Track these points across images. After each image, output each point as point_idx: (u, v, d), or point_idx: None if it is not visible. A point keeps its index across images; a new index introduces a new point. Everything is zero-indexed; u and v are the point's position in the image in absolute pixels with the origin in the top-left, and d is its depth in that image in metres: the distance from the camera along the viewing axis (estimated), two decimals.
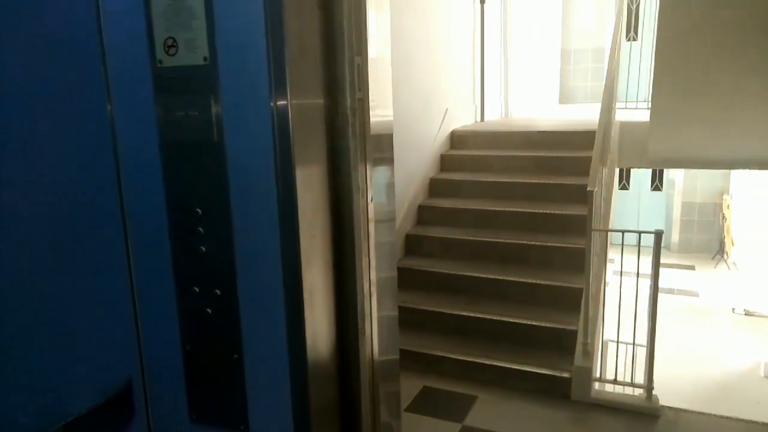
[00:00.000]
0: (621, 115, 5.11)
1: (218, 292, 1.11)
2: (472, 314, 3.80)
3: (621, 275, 3.71)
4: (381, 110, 1.22)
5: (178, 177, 1.08)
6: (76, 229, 1.09)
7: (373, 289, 1.26)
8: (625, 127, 4.85)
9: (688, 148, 4.25)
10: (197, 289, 1.13)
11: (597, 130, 3.85)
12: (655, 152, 4.32)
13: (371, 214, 1.21)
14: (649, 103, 4.31)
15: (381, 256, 1.26)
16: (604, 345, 3.89)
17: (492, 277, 3.98)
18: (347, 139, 1.10)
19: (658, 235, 3.15)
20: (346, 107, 1.08)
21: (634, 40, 6.49)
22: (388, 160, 1.32)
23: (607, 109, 4.04)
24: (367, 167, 1.17)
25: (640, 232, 3.30)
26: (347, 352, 1.23)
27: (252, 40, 0.96)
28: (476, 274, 4.03)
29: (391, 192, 1.34)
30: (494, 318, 3.74)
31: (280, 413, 1.13)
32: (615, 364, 3.44)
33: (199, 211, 1.08)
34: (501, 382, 3.50)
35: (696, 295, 8.43)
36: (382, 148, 1.26)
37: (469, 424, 3.20)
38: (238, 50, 0.98)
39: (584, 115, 6.33)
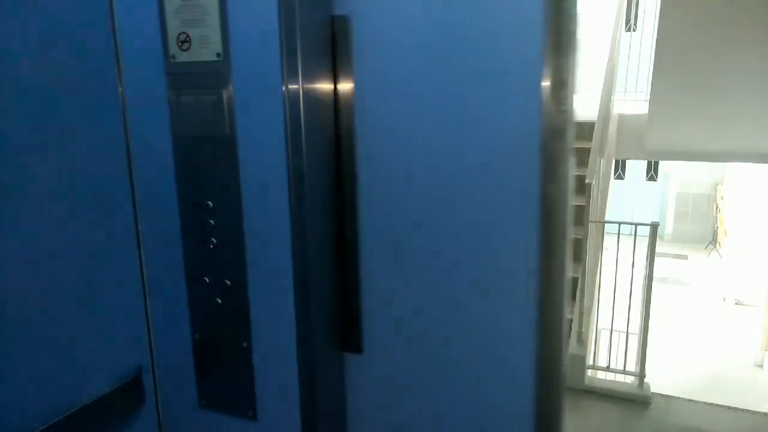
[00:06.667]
0: (618, 106, 5.14)
1: (228, 282, 1.14)
2: None
3: (617, 266, 3.76)
4: None
5: (190, 170, 1.10)
6: (87, 220, 1.11)
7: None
8: (623, 119, 4.87)
9: (686, 141, 4.28)
10: (207, 280, 1.15)
11: (596, 122, 3.87)
12: (652, 144, 4.35)
13: None
14: (648, 95, 4.33)
15: None
16: (598, 333, 3.95)
17: None
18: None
19: (654, 227, 3.19)
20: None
21: (633, 30, 6.49)
22: None
23: (606, 102, 4.06)
24: None
25: (636, 224, 3.34)
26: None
27: (265, 38, 0.97)
28: None
29: None
30: None
31: (287, 400, 1.16)
32: (608, 353, 3.50)
33: (210, 203, 1.10)
34: None
35: (688, 284, 8.53)
36: None
37: None
38: (251, 47, 0.99)
39: (578, 104, 6.34)
